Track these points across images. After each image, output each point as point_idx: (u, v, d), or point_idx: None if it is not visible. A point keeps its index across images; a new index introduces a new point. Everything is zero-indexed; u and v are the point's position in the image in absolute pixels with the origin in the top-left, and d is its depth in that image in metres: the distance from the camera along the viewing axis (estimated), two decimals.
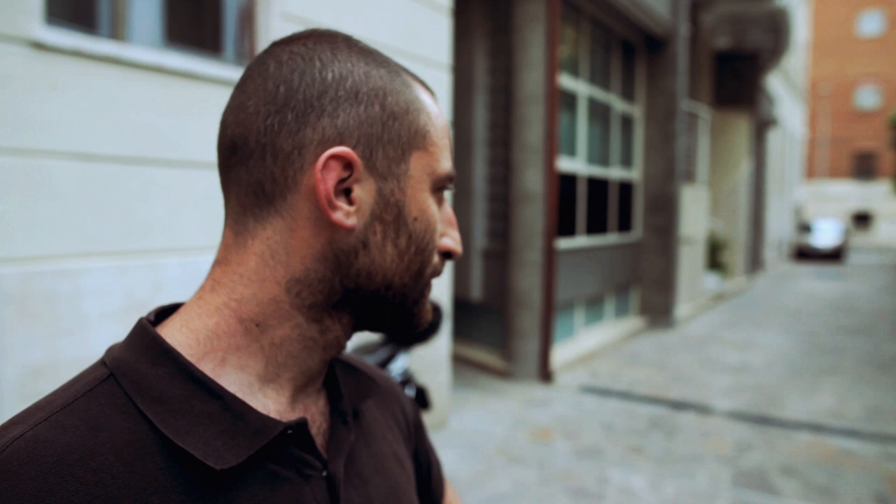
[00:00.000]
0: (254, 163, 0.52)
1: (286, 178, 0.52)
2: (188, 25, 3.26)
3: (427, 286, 0.60)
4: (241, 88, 0.55)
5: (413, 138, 0.56)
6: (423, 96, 0.59)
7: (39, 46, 2.47)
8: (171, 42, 3.09)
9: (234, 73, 3.19)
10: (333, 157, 0.51)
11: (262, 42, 3.41)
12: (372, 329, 0.60)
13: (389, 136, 0.54)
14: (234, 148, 0.54)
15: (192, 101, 3.02)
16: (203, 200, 3.11)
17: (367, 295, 0.56)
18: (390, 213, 0.55)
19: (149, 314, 0.55)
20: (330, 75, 0.53)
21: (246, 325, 0.53)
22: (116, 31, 2.86)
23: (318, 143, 0.52)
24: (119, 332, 2.80)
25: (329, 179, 0.51)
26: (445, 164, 0.60)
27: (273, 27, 3.39)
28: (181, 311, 0.55)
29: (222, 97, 3.15)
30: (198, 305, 0.54)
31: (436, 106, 0.61)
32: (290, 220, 0.53)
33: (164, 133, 2.92)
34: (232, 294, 0.53)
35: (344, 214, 0.53)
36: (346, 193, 0.53)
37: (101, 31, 2.82)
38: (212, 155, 3.10)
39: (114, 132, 2.74)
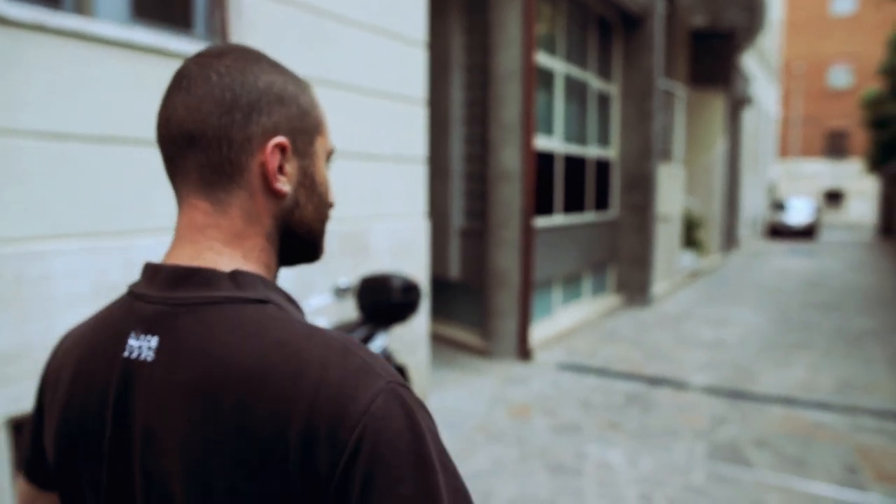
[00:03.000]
0: (213, 151, 0.70)
1: (241, 161, 0.71)
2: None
3: (325, 229, 0.83)
4: (186, 91, 0.70)
5: (316, 127, 0.79)
6: (314, 94, 0.81)
7: (0, 21, 2.39)
8: (139, 17, 3.01)
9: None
10: (277, 145, 0.72)
11: (234, 17, 3.33)
12: (288, 262, 0.80)
13: (304, 127, 0.76)
14: (191, 139, 0.70)
15: (161, 79, 2.94)
16: None
17: (296, 236, 0.78)
18: (308, 181, 0.77)
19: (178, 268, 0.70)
20: (262, 84, 0.72)
21: (266, 262, 0.76)
22: (81, 5, 2.78)
23: (261, 135, 0.71)
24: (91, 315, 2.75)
25: (273, 161, 0.72)
26: (330, 143, 0.83)
27: (245, 2, 3.32)
28: (225, 262, 0.71)
29: None
30: (230, 257, 0.72)
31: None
32: (250, 191, 0.73)
33: (133, 111, 2.85)
34: (233, 248, 0.72)
35: (282, 184, 0.73)
36: (279, 170, 0.73)
37: (66, 5, 2.73)
38: None
39: (81, 110, 2.67)
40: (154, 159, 2.94)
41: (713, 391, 5.20)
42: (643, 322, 7.96)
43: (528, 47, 5.90)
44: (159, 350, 0.66)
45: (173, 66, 2.98)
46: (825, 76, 36.39)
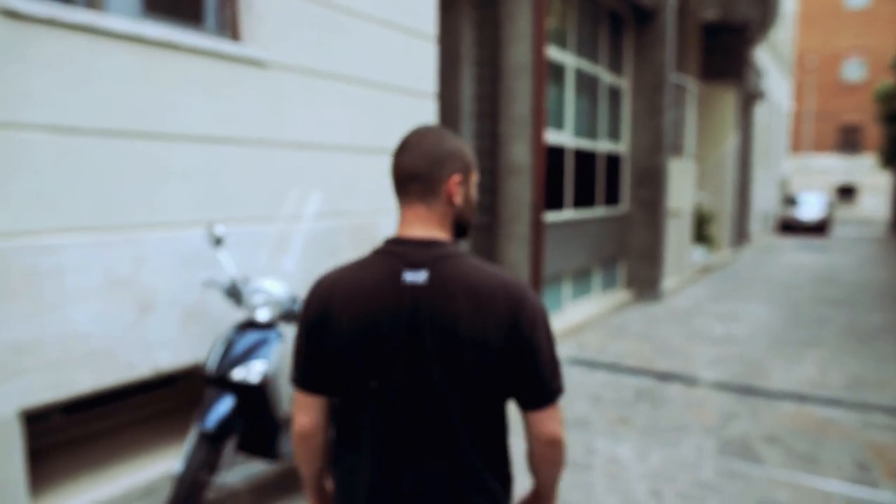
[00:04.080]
0: (425, 182, 1.27)
1: (439, 188, 1.28)
2: None
3: (474, 220, 1.40)
4: (409, 152, 1.29)
5: (471, 169, 1.35)
6: (470, 149, 1.38)
7: (12, 15, 2.40)
8: (149, 11, 3.01)
9: (216, 44, 3.12)
10: (455, 181, 1.29)
11: (245, 11, 3.34)
12: (458, 235, 1.36)
13: (466, 169, 1.32)
14: (414, 176, 1.28)
15: (172, 73, 2.95)
16: (186, 175, 3.06)
17: (461, 223, 1.35)
18: (468, 198, 1.35)
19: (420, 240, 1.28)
20: (446, 148, 1.30)
21: (450, 234, 1.33)
22: (93, 0, 2.79)
23: (447, 175, 1.28)
24: (103, 308, 2.77)
25: (453, 188, 1.29)
26: (477, 176, 1.40)
27: None
28: (434, 237, 1.28)
29: (204, 69, 3.09)
30: (435, 235, 1.29)
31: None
32: (442, 202, 1.29)
33: (144, 105, 2.86)
34: (441, 231, 1.30)
35: (457, 199, 1.30)
36: (455, 192, 1.30)
37: (77, 0, 2.74)
38: (194, 127, 3.04)
39: (92, 104, 2.68)
40: (164, 154, 2.95)
41: (723, 387, 5.18)
42: (653, 317, 7.93)
43: (539, 41, 5.87)
44: (430, 278, 1.23)
45: (183, 60, 2.99)
46: (838, 70, 36.01)
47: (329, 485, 1.48)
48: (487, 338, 1.19)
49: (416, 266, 1.23)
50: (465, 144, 1.35)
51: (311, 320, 1.28)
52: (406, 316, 1.21)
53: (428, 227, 1.28)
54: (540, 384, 1.25)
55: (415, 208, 1.29)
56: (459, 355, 1.20)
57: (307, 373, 1.32)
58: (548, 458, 1.34)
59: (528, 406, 1.28)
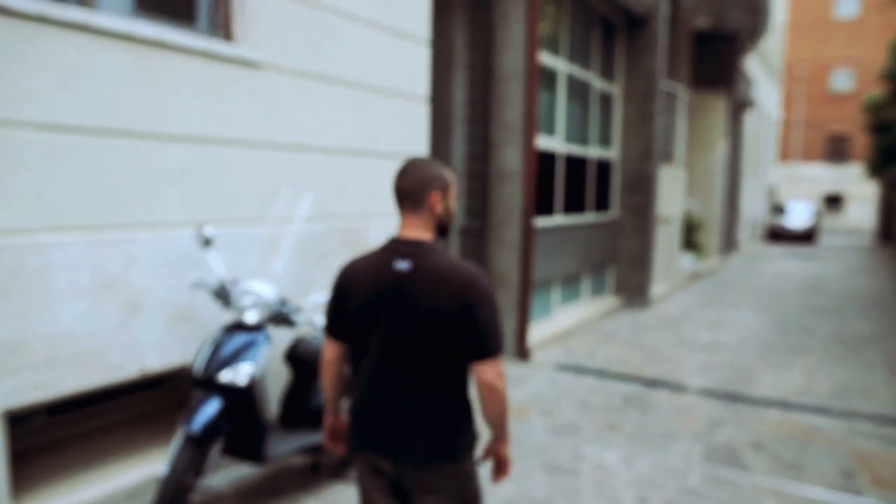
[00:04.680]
0: (415, 198, 1.81)
1: (424, 202, 1.82)
2: None
3: (451, 225, 1.95)
4: (406, 176, 1.83)
5: (449, 187, 1.87)
6: (449, 172, 1.90)
7: (3, 12, 2.38)
8: (142, 10, 3.00)
9: (209, 44, 3.11)
10: (436, 195, 1.83)
11: (238, 12, 3.33)
12: (440, 235, 1.88)
13: (445, 186, 1.85)
14: (407, 194, 1.81)
15: (164, 73, 2.94)
16: (177, 175, 3.04)
17: (442, 227, 1.89)
18: (446, 208, 1.87)
19: (416, 240, 1.82)
20: (430, 173, 1.83)
21: (433, 236, 1.87)
22: None
23: (431, 192, 1.81)
24: (91, 308, 2.74)
25: (435, 201, 1.82)
26: (455, 191, 1.93)
27: None
28: (419, 238, 1.81)
29: (196, 69, 3.07)
30: (420, 236, 1.82)
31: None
32: (426, 211, 1.83)
33: (135, 105, 2.84)
34: (426, 232, 1.84)
35: (437, 209, 1.84)
36: (437, 204, 1.84)
37: None
38: (186, 128, 3.03)
39: (83, 102, 2.66)
40: (155, 154, 2.93)
41: (711, 394, 5.20)
42: (642, 323, 7.96)
43: (532, 47, 5.89)
44: (412, 267, 1.75)
45: (175, 60, 2.97)
46: (827, 80, 36.33)
47: (343, 414, 2.10)
48: (445, 307, 1.73)
49: (403, 257, 1.79)
50: (445, 170, 1.88)
51: (338, 292, 1.90)
52: (395, 291, 1.77)
53: (416, 230, 1.84)
54: (480, 342, 1.76)
55: (408, 217, 1.85)
56: (426, 318, 1.75)
57: (333, 325, 1.94)
58: (488, 399, 1.81)
59: (472, 358, 1.78)
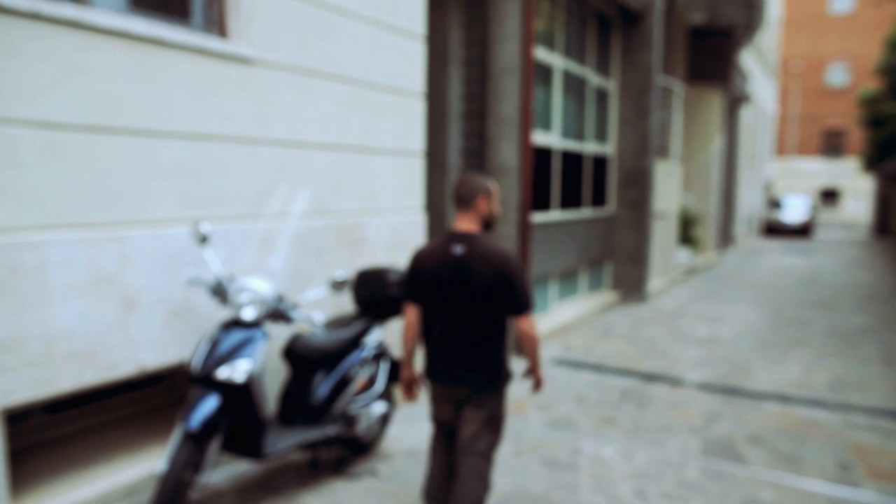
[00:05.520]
0: (467, 201, 2.58)
1: (473, 204, 2.58)
2: None
3: (496, 222, 2.77)
4: (460, 185, 2.60)
5: (492, 193, 2.64)
6: (493, 183, 2.68)
7: None
8: (136, 7, 2.99)
9: (203, 41, 3.10)
10: (482, 201, 2.59)
11: (233, 8, 3.32)
12: (486, 228, 2.64)
13: (490, 193, 2.62)
14: (461, 198, 2.58)
15: (158, 69, 2.93)
16: (172, 172, 3.03)
17: (487, 223, 2.64)
18: (492, 210, 2.64)
19: (469, 233, 2.58)
20: (478, 183, 2.60)
21: (481, 229, 2.63)
22: None
23: (479, 198, 2.58)
24: (87, 305, 2.74)
25: (482, 204, 2.59)
26: (499, 195, 2.82)
27: None
28: (469, 230, 2.57)
29: (190, 65, 3.06)
30: (470, 229, 2.57)
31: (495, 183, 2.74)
32: (475, 211, 2.59)
33: (130, 101, 2.83)
34: (474, 225, 2.59)
35: (483, 210, 2.60)
36: (482, 205, 2.62)
37: None
38: (180, 124, 3.02)
39: (76, 99, 2.65)
40: (150, 151, 2.92)
41: (708, 387, 5.21)
42: (639, 318, 7.97)
43: (527, 42, 5.88)
44: (465, 251, 2.50)
45: (170, 57, 2.96)
46: (823, 74, 36.37)
47: (416, 370, 2.82)
48: (488, 278, 2.48)
49: (459, 243, 2.53)
50: (489, 181, 2.64)
51: (414, 268, 2.64)
52: (452, 268, 2.52)
53: (467, 224, 2.58)
54: (516, 302, 2.51)
55: (462, 214, 2.59)
56: (475, 287, 2.49)
57: (412, 292, 2.66)
58: (524, 341, 2.60)
59: (511, 314, 2.55)
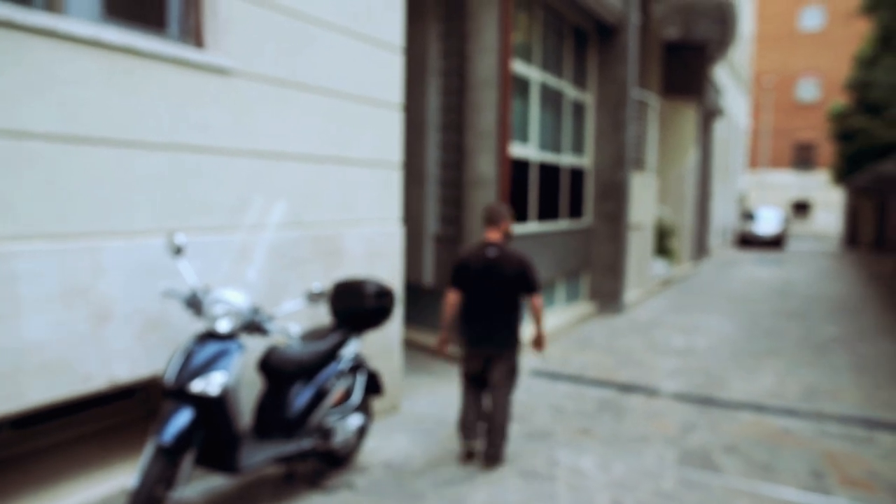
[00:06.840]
0: (495, 221, 3.95)
1: (499, 224, 3.95)
2: None
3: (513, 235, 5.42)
4: (490, 210, 3.98)
5: (511, 218, 4.03)
6: (510, 211, 4.06)
7: None
8: (110, 15, 2.96)
9: (179, 51, 3.08)
10: (505, 223, 3.97)
11: (210, 18, 3.30)
12: (507, 239, 4.03)
13: (508, 217, 4.00)
14: (491, 219, 3.95)
15: (134, 79, 2.90)
16: (147, 182, 3.00)
17: (508, 235, 3.99)
18: (510, 227, 4.01)
19: (499, 241, 3.96)
20: (502, 211, 3.98)
21: (505, 240, 3.99)
22: (52, 3, 2.73)
23: (504, 220, 3.96)
24: (58, 317, 2.69)
25: (505, 223, 3.97)
26: (513, 220, 4.91)
27: (221, 3, 3.28)
28: (498, 240, 3.91)
29: (166, 75, 3.04)
30: (498, 240, 3.92)
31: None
32: (500, 229, 3.95)
33: (104, 111, 2.80)
34: (500, 237, 3.94)
35: (507, 228, 3.97)
36: (506, 225, 4.02)
37: (35, 2, 2.69)
38: (156, 134, 2.99)
39: (49, 108, 2.62)
40: (125, 162, 2.89)
41: (684, 398, 5.26)
42: (615, 329, 8.02)
43: (505, 55, 5.93)
44: (497, 254, 3.84)
45: (145, 66, 2.94)
46: (794, 89, 37.11)
47: (450, 335, 4.04)
48: (511, 275, 3.79)
49: (491, 248, 3.83)
50: (507, 209, 3.96)
51: (461, 264, 3.88)
52: (485, 267, 3.81)
53: (496, 236, 3.88)
54: (531, 286, 3.85)
55: (491, 230, 3.91)
56: (502, 278, 3.80)
57: (457, 280, 3.87)
58: (535, 311, 3.90)
59: (527, 293, 3.85)
